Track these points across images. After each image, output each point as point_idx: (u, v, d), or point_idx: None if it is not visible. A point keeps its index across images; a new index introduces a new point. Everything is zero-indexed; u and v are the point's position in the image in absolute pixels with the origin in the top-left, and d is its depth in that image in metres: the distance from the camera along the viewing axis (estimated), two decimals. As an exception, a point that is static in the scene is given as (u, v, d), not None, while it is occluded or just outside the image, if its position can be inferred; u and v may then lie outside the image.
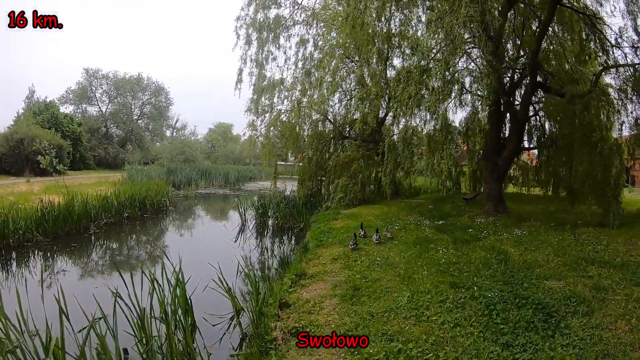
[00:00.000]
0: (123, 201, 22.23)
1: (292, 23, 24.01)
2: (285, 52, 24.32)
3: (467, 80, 21.18)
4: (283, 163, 36.39)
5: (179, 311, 7.93)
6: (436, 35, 15.75)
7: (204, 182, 49.50)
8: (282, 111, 25.53)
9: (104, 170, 54.27)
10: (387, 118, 25.36)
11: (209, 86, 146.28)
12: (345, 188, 21.90)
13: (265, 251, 17.69)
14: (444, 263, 9.59)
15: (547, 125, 21.49)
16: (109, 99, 71.95)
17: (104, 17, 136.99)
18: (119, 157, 64.52)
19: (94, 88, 70.43)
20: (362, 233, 13.25)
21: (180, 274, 8.43)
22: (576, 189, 17.12)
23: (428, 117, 18.35)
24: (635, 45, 15.73)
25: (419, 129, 19.63)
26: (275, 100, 25.49)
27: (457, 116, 41.09)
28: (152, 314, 7.42)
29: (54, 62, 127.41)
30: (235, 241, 19.12)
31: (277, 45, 23.84)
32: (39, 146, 20.41)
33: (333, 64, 22.50)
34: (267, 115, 25.77)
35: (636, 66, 15.97)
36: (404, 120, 18.80)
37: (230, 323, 8.75)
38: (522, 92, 19.02)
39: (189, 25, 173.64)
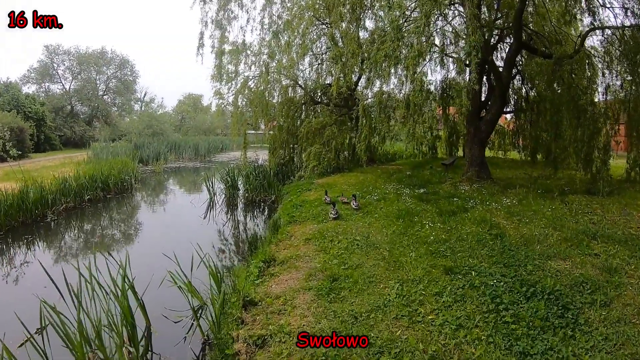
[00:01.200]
0: (83, 183, 20.63)
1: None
2: (248, 12, 22.90)
3: (443, 42, 20.24)
4: (254, 132, 35.00)
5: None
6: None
7: (174, 155, 48.17)
8: (250, 77, 23.99)
9: (71, 150, 51.89)
10: (360, 82, 24.07)
11: (175, 55, 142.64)
12: (318, 156, 20.74)
13: (234, 229, 16.28)
14: (433, 241, 8.49)
15: (525, 89, 20.71)
16: (72, 76, 68.12)
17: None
18: (86, 135, 61.59)
19: (55, 65, 66.69)
20: (328, 200, 13.17)
21: (127, 272, 7.05)
22: (560, 154, 16.68)
23: (404, 78, 17.44)
24: (626, 6, 14.68)
25: (395, 92, 18.70)
26: (242, 66, 24.12)
27: (432, 79, 40.01)
28: (100, 322, 6.22)
29: (16, 42, 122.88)
30: (204, 218, 17.90)
31: (239, 4, 22.25)
32: None
33: (302, 26, 21.00)
34: (234, 82, 24.24)
35: (625, 28, 14.92)
36: (378, 82, 17.89)
37: (192, 323, 7.49)
38: (506, 53, 18.01)
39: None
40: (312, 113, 25.12)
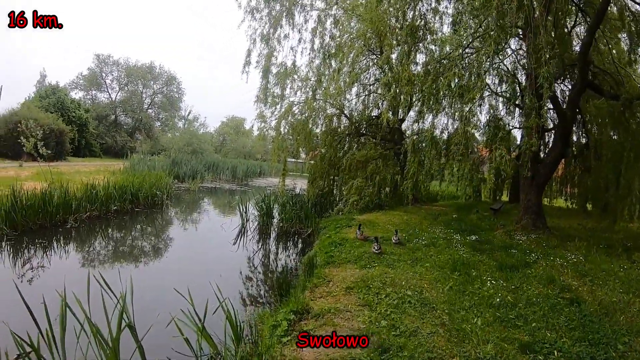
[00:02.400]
0: (111, 192, 19.94)
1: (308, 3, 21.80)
2: (300, 32, 22.19)
3: (493, 80, 19.64)
4: (294, 160, 34.24)
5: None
6: (475, 21, 13.80)
7: (211, 175, 47.48)
8: (295, 103, 23.08)
9: (110, 159, 52.65)
10: (408, 116, 23.17)
11: (223, 78, 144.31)
12: (360, 190, 19.67)
13: (263, 261, 15.08)
14: (500, 304, 7.14)
15: (579, 132, 19.69)
16: (119, 86, 70.43)
17: (112, 7, 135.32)
18: (127, 146, 62.56)
19: (104, 74, 69.04)
20: (360, 235, 12.65)
21: (124, 309, 5.88)
22: (617, 204, 16.22)
23: (450, 117, 17.07)
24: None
25: (445, 129, 17.71)
26: (287, 90, 23.40)
27: (478, 120, 38.80)
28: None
29: (68, 49, 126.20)
30: (234, 244, 16.89)
31: (290, 22, 21.54)
32: (24, 128, 18.68)
33: (352, 54, 20.09)
34: (278, 106, 23.49)
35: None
36: (430, 117, 16.74)
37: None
38: (569, 92, 16.80)
39: (201, 17, 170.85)
40: (356, 145, 23.95)
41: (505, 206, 21.11)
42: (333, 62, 22.31)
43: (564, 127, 15.08)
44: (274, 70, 22.20)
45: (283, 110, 22.97)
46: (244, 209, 20.04)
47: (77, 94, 64.98)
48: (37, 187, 16.62)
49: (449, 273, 8.94)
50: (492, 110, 20.42)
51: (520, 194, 16.29)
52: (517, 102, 19.84)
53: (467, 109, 15.07)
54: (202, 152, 60.42)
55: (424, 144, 17.70)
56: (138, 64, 71.03)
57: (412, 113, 22.25)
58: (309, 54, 21.96)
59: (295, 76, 23.17)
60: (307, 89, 22.96)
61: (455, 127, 16.77)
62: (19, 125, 20.07)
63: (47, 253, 13.36)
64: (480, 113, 19.10)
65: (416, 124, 18.94)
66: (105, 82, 69.16)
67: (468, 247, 11.77)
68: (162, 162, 42.83)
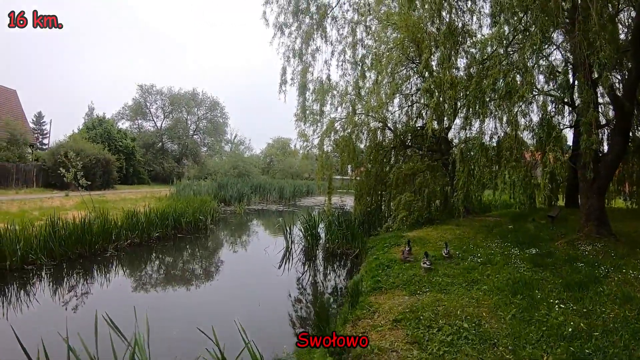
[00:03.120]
0: (153, 219, 19.80)
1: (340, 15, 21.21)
2: (332, 44, 21.64)
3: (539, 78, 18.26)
4: (340, 177, 33.51)
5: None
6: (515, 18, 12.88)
7: (258, 197, 47.35)
8: (336, 119, 22.46)
9: (158, 185, 53.41)
10: (454, 124, 22.19)
11: (265, 99, 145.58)
12: (409, 205, 18.73)
13: (307, 288, 14.16)
14: (572, 335, 6.16)
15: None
16: (164, 114, 71.97)
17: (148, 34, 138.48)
18: (175, 171, 63.38)
19: (148, 104, 70.83)
20: (406, 256, 11.93)
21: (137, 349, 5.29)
22: None
23: (504, 118, 15.89)
24: None
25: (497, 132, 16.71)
26: (327, 107, 22.78)
27: (526, 121, 37.24)
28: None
29: (113, 81, 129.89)
30: (279, 267, 16.33)
31: (323, 35, 21.00)
32: (64, 159, 18.94)
33: (391, 64, 19.37)
34: (319, 124, 22.92)
35: None
36: (477, 122, 15.76)
37: None
38: (625, 81, 15.47)
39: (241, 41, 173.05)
40: (402, 158, 23.08)
41: (562, 212, 19.79)
42: (371, 74, 21.87)
43: (624, 120, 13.83)
44: (310, 86, 21.63)
45: (324, 127, 22.35)
46: (289, 231, 19.38)
47: (123, 124, 67.08)
48: (78, 216, 16.67)
49: (510, 297, 7.98)
50: (541, 111, 19.33)
51: (580, 199, 15.09)
52: (565, 100, 18.62)
53: (515, 110, 14.20)
54: (249, 174, 60.83)
55: (472, 152, 16.73)
56: (181, 91, 72.62)
57: (457, 121, 21.36)
58: (342, 65, 21.32)
59: (335, 92, 22.59)
60: (347, 104, 22.45)
61: (504, 131, 16.02)
62: (60, 156, 20.31)
63: (82, 281, 13.28)
64: (530, 113, 18.00)
65: (463, 131, 18.01)
66: (150, 111, 70.93)
67: (528, 262, 10.72)
68: (208, 186, 42.91)
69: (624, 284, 8.59)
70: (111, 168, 43.05)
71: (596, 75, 11.03)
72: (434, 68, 17.96)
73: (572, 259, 10.86)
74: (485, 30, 17.27)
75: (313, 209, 29.16)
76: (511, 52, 14.11)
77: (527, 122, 16.32)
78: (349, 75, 21.76)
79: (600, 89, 16.02)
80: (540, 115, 18.47)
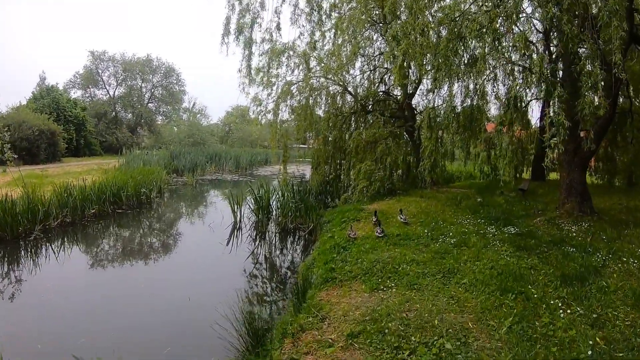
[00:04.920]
0: (88, 194, 17.74)
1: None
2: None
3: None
4: (302, 146, 31.75)
5: None
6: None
7: (213, 167, 45.05)
8: (293, 82, 20.40)
9: (111, 156, 50.17)
10: (418, 90, 20.67)
11: (228, 65, 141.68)
12: (369, 174, 17.05)
13: (252, 276, 11.77)
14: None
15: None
16: (117, 82, 67.75)
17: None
18: (129, 142, 60.45)
19: (100, 71, 66.26)
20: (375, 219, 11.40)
21: None
22: None
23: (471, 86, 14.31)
24: None
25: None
26: (283, 69, 20.82)
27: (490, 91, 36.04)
28: None
29: (65, 47, 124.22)
30: (227, 244, 14.65)
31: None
32: None
33: (352, 26, 17.52)
34: (274, 88, 20.82)
35: None
36: (446, 86, 14.04)
37: None
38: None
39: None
40: (363, 125, 21.32)
41: (530, 185, 18.65)
42: (331, 35, 20.26)
43: (609, 89, 12.28)
44: (258, 39, 19.38)
45: (280, 90, 20.38)
46: (236, 205, 17.53)
47: (75, 94, 63.13)
48: (6, 194, 14.55)
49: (499, 296, 6.28)
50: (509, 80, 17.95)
51: (560, 172, 13.63)
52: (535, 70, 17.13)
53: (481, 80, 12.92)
54: (205, 143, 58.59)
55: (440, 118, 15.09)
56: (134, 58, 68.48)
57: (423, 87, 20.09)
58: (297, 19, 19.23)
59: (291, 52, 20.55)
60: (304, 66, 20.69)
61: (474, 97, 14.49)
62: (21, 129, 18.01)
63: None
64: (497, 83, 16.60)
65: (430, 95, 16.27)
66: (102, 78, 66.64)
67: (509, 244, 9.12)
68: (160, 156, 41.06)
69: (627, 276, 7.17)
70: (57, 140, 40.17)
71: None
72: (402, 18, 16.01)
73: (558, 241, 9.38)
74: None
75: (270, 179, 27.41)
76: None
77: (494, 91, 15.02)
78: (305, 32, 19.67)
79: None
80: (507, 86, 17.10)
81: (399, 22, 14.03)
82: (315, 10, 19.02)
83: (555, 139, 9.54)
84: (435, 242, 9.60)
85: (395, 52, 13.50)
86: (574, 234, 10.05)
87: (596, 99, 10.49)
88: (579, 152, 12.21)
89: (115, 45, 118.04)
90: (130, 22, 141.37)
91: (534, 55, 12.79)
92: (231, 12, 18.56)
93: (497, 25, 10.29)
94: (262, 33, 19.08)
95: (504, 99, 18.68)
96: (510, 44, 12.15)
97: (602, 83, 10.11)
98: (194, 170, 38.44)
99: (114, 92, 67.04)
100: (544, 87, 9.67)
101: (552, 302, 6.05)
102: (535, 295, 6.26)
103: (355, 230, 10.91)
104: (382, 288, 6.89)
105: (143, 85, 70.36)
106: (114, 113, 65.17)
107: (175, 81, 72.83)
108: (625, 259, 7.99)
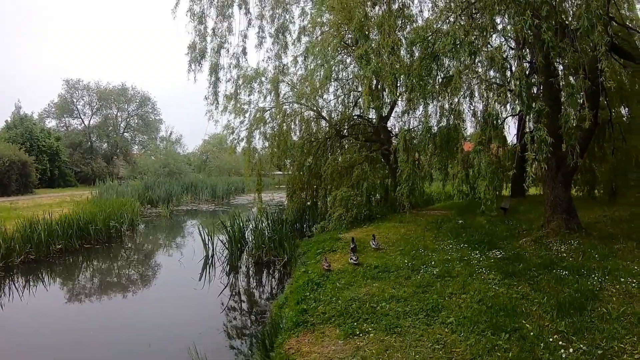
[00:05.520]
0: (54, 228, 16.83)
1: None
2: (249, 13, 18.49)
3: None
4: (273, 173, 31.07)
5: None
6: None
7: (190, 196, 44.03)
8: (267, 109, 20.10)
9: (86, 187, 48.59)
10: (393, 112, 20.38)
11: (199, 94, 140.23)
12: (346, 201, 16.42)
13: (222, 317, 10.78)
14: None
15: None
16: (92, 111, 66.43)
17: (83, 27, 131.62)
18: (106, 172, 58.67)
19: (75, 100, 65.04)
20: (353, 246, 10.81)
21: None
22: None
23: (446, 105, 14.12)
24: None
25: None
26: (255, 95, 20.39)
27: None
28: None
29: (40, 76, 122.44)
30: (200, 279, 13.98)
31: (243, 6, 18.01)
32: None
33: (327, 49, 17.16)
34: (247, 115, 20.38)
35: None
36: (422, 106, 13.54)
37: None
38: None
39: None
40: (339, 150, 20.84)
41: (510, 203, 18.17)
42: (303, 59, 19.80)
43: (592, 100, 11.81)
44: (225, 64, 18.60)
45: (252, 117, 20.03)
46: (208, 237, 16.64)
47: (50, 123, 62.26)
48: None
49: (491, 335, 5.54)
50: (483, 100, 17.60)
51: (543, 189, 13.12)
52: (510, 88, 16.85)
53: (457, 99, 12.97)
54: (180, 172, 57.54)
55: (416, 140, 14.55)
56: (109, 86, 67.22)
57: (398, 109, 19.67)
58: (269, 50, 18.58)
59: (263, 78, 20.00)
60: (278, 92, 20.25)
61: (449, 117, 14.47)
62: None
63: None
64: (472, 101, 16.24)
65: (405, 116, 15.72)
66: (77, 107, 65.37)
67: (496, 271, 8.44)
68: (135, 186, 39.87)
69: (628, 299, 6.60)
70: (29, 171, 39.18)
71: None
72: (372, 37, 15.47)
73: (548, 263, 8.76)
74: (426, 14, 15.10)
75: (247, 208, 26.63)
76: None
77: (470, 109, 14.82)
78: (273, 57, 19.04)
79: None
80: (484, 103, 16.74)
81: (368, 41, 13.52)
82: (280, 33, 18.39)
83: (536, 155, 9.01)
84: (416, 273, 8.87)
85: (365, 73, 12.99)
86: (564, 255, 9.43)
87: (577, 111, 9.99)
88: (562, 168, 11.69)
89: (90, 73, 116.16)
90: (105, 50, 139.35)
91: (508, 73, 12.50)
92: (197, 37, 17.81)
93: (473, 39, 9.72)
94: (229, 58, 18.34)
95: (480, 117, 18.46)
96: (485, 60, 11.76)
97: (584, 94, 9.61)
98: (169, 200, 37.47)
99: (89, 122, 65.94)
100: (525, 101, 9.04)
101: (550, 339, 5.37)
102: (532, 333, 5.55)
103: (329, 262, 10.19)
104: (359, 333, 6.11)
105: (118, 114, 69.35)
106: (89, 143, 63.75)
107: (150, 110, 71.91)
108: (623, 279, 7.41)
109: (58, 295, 12.84)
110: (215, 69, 17.85)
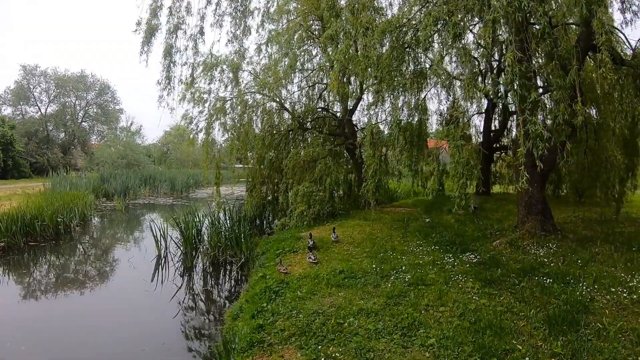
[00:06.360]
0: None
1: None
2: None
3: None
4: (234, 166, 30.07)
5: None
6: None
7: (148, 190, 42.44)
8: (227, 99, 18.98)
9: (41, 179, 46.30)
10: (359, 105, 19.75)
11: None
12: (308, 197, 15.59)
13: (170, 330, 9.42)
14: None
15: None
16: (49, 99, 63.74)
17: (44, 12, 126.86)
18: (62, 163, 56.15)
19: (32, 87, 62.25)
20: (312, 243, 10.80)
21: None
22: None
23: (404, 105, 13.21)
24: None
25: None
26: (216, 84, 19.00)
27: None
28: None
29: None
30: (152, 280, 12.91)
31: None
32: None
33: (295, 38, 17.15)
34: (206, 105, 19.12)
35: None
36: (390, 98, 12.67)
37: None
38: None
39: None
40: (302, 143, 20.13)
41: (487, 203, 17.89)
42: (268, 48, 18.86)
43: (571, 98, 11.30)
44: (181, 46, 17.07)
45: (212, 107, 18.94)
46: (160, 234, 15.43)
47: (5, 110, 59.85)
48: None
49: (480, 360, 4.79)
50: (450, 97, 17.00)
51: (517, 188, 12.48)
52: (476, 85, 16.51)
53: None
54: (139, 164, 55.79)
55: (384, 134, 13.80)
56: (68, 73, 64.66)
57: (364, 103, 19.16)
58: (231, 33, 17.21)
59: (224, 66, 18.86)
60: (239, 81, 19.24)
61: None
62: None
63: None
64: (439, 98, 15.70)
65: (372, 110, 14.87)
66: (33, 95, 62.66)
67: (474, 278, 7.65)
68: (90, 178, 38.37)
69: (621, 311, 6.09)
70: (-24, 160, 37.01)
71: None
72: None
73: (528, 269, 8.09)
74: (396, 10, 14.27)
75: (205, 202, 25.60)
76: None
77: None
78: (234, 40, 17.78)
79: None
80: (450, 102, 16.24)
81: (339, 20, 12.47)
82: (240, 12, 16.97)
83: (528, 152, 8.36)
84: (386, 280, 8.00)
85: (335, 55, 12.07)
86: (544, 259, 8.84)
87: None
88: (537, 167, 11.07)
89: (48, 60, 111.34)
90: (66, 36, 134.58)
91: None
92: (151, 16, 16.18)
93: (458, 19, 8.92)
94: (186, 40, 16.84)
95: (446, 114, 17.92)
96: (473, 43, 11.24)
97: (578, 87, 9.02)
98: (126, 193, 36.37)
99: (46, 110, 63.49)
100: (518, 91, 8.27)
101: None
102: (527, 358, 4.78)
103: (286, 266, 9.35)
104: (323, 357, 5.23)
105: (77, 102, 66.77)
106: (45, 132, 61.37)
107: (110, 99, 69.81)
108: (613, 289, 6.81)
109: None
110: (169, 52, 16.28)
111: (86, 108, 68.05)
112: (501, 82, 10.15)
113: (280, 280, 8.57)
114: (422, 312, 6.37)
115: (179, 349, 8.20)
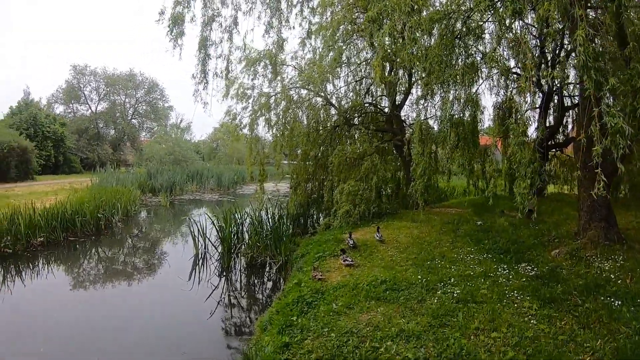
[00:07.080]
0: (36, 220, 15.65)
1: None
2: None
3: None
4: (286, 162, 29.67)
5: None
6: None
7: (195, 185, 42.89)
8: (271, 94, 18.51)
9: (91, 174, 47.12)
10: (407, 100, 19.00)
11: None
12: (354, 196, 14.91)
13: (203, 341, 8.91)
14: None
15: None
16: (99, 97, 65.75)
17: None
18: (112, 159, 58.40)
19: (82, 86, 64.19)
20: (352, 243, 10.76)
21: None
22: None
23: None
24: None
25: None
26: (260, 79, 18.72)
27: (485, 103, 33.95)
28: None
29: (51, 63, 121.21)
30: (189, 279, 12.59)
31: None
32: None
33: (340, 30, 16.48)
34: (250, 100, 18.84)
35: None
36: (439, 94, 12.16)
37: None
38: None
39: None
40: (348, 140, 19.46)
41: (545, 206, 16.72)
42: (312, 42, 18.02)
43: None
44: (216, 38, 16.27)
45: (256, 104, 18.59)
46: (200, 232, 15.01)
47: (58, 109, 61.78)
48: None
49: None
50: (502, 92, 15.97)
51: (578, 190, 11.48)
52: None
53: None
54: (186, 160, 56.41)
55: (434, 129, 13.04)
56: (117, 72, 66.53)
57: (412, 97, 18.71)
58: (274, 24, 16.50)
59: (267, 61, 18.31)
60: (284, 77, 18.93)
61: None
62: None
63: None
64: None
65: (421, 104, 14.04)
66: (84, 93, 64.68)
67: (531, 296, 6.84)
68: (138, 174, 39.20)
69: None
70: (29, 157, 38.20)
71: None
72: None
73: (592, 286, 7.20)
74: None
75: (253, 199, 25.25)
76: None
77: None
78: (271, 30, 16.98)
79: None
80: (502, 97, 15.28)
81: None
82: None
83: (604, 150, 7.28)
84: (432, 294, 7.24)
85: (378, 38, 11.11)
86: (610, 274, 7.88)
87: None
88: (604, 167, 9.99)
89: (100, 60, 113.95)
90: (63, 36, 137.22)
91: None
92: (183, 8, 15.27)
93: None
94: (221, 32, 16.03)
95: (499, 109, 16.90)
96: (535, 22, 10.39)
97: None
98: (172, 189, 36.60)
99: (96, 108, 65.33)
100: (592, 76, 7.16)
101: None
102: None
103: (323, 272, 8.73)
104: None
105: (126, 100, 68.69)
106: (95, 129, 63.01)
107: (159, 96, 71.39)
108: (696, 317, 5.77)
109: (20, 300, 11.28)
110: (204, 44, 15.54)
111: (135, 105, 69.92)
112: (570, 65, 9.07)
113: (316, 289, 7.89)
114: (472, 337, 5.61)
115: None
